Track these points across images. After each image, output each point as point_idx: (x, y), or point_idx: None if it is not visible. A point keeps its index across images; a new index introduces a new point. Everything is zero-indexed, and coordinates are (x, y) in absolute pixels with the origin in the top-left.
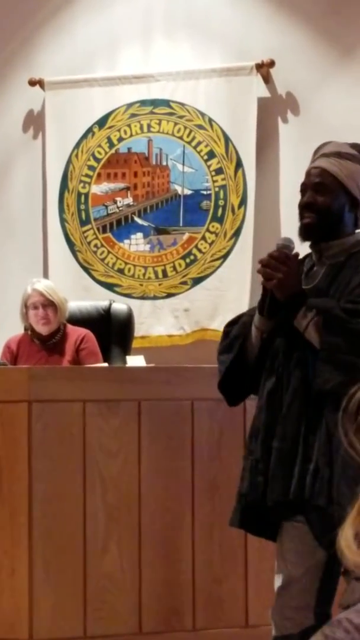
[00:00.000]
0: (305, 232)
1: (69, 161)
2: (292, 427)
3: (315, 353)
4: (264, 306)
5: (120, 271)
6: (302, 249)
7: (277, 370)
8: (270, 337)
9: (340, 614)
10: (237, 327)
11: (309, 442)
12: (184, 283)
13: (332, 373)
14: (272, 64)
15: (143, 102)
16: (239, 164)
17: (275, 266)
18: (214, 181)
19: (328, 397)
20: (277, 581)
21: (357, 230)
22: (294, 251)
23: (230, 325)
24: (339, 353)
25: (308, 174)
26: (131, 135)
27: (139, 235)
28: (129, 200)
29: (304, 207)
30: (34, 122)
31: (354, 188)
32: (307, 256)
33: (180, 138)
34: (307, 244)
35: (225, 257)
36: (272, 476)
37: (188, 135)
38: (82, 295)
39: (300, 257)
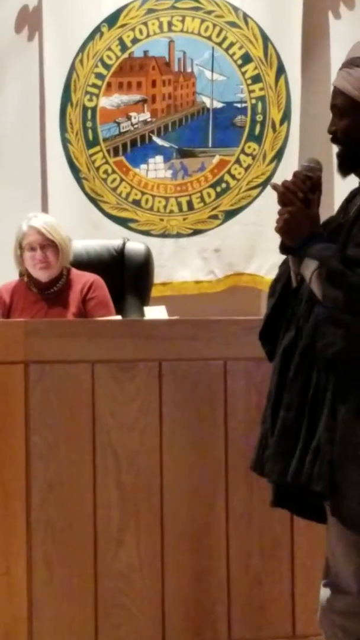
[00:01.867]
0: (339, 167)
1: (72, 68)
2: (297, 394)
3: None
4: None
5: (136, 203)
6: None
7: (298, 322)
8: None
9: None
10: (280, 267)
11: (315, 412)
12: (214, 217)
13: (334, 336)
14: None
15: None
16: (280, 70)
17: (283, 203)
18: (250, 91)
19: (332, 362)
20: (323, 581)
21: None
22: (318, 174)
23: (283, 263)
24: (338, 311)
25: None
26: (148, 36)
27: (159, 158)
28: (146, 115)
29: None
30: (29, 20)
31: None
32: None
33: (209, 38)
34: None
35: (264, 184)
36: (272, 453)
37: (218, 35)
38: (90, 233)
39: None
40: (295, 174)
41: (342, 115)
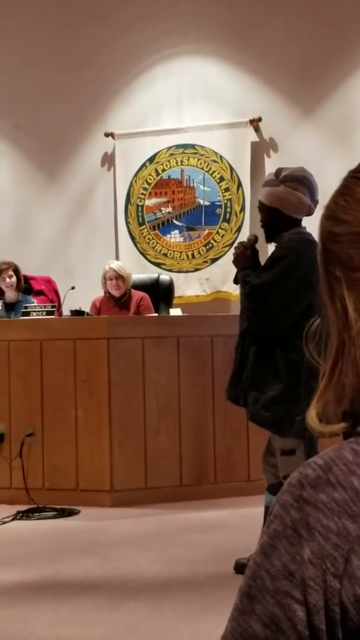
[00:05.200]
0: (265, 239)
1: (131, 185)
2: (239, 355)
3: None
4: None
5: (165, 255)
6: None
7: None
8: None
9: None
10: None
11: (245, 364)
12: (205, 262)
13: (244, 320)
14: (260, 119)
15: (178, 146)
16: (239, 185)
17: (236, 249)
18: (223, 196)
19: (247, 335)
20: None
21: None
22: (256, 241)
23: None
24: (244, 307)
25: None
26: (170, 167)
27: (176, 231)
28: (169, 209)
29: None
30: (108, 160)
31: (272, 203)
32: None
33: (202, 168)
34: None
35: (231, 244)
36: (228, 385)
37: (207, 167)
38: (140, 271)
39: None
40: (242, 241)
41: (261, 213)
